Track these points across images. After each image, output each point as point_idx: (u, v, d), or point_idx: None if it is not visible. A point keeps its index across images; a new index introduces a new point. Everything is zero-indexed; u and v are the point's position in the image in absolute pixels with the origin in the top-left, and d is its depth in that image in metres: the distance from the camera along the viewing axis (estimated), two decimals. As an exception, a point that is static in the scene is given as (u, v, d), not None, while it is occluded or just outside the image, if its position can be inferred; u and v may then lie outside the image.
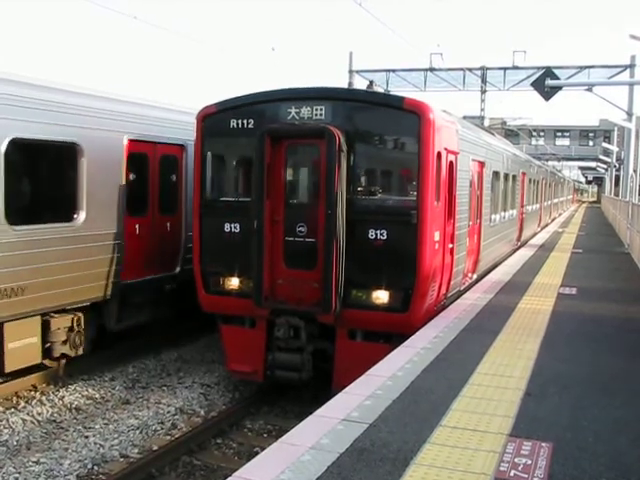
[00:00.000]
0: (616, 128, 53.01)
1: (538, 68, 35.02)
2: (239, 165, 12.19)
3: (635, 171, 31.63)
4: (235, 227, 11.23)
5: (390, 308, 10.40)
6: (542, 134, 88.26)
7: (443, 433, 6.04)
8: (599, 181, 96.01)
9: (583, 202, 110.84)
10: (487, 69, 43.92)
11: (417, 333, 9.79)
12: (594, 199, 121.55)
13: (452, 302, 12.28)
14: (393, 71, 42.86)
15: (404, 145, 10.95)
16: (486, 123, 45.05)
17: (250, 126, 11.08)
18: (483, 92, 45.14)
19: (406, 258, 10.31)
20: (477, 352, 8.83)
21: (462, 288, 13.48)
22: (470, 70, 43.98)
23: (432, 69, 42.59)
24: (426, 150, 10.24)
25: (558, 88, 22.14)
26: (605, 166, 69.68)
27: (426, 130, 10.24)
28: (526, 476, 5.16)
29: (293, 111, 10.83)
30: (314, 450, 5.51)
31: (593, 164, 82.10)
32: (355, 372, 7.97)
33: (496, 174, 17.42)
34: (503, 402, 6.86)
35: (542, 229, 34.11)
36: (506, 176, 19.42)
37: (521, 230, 24.42)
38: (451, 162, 11.66)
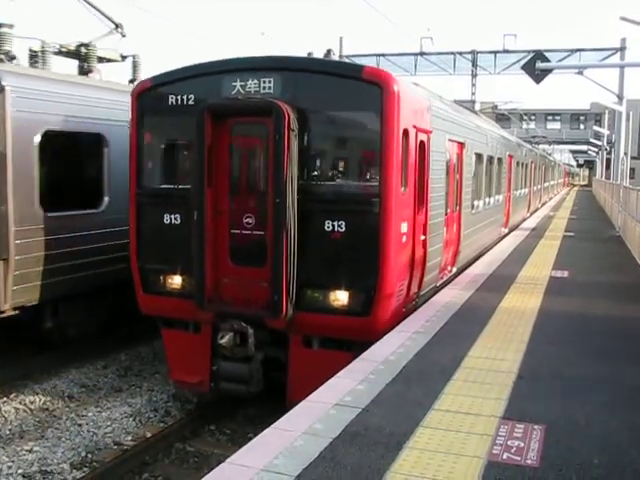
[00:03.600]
0: (607, 111, 52.94)
1: (529, 51, 34.82)
2: (180, 148, 10.56)
3: (626, 154, 31.62)
4: (175, 218, 9.77)
5: (350, 311, 8.98)
6: (533, 118, 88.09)
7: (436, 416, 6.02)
8: (590, 164, 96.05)
9: (575, 185, 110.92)
10: (478, 53, 43.66)
11: (378, 343, 8.33)
12: (585, 182, 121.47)
13: (426, 300, 10.89)
14: (383, 55, 42.53)
15: (364, 122, 9.38)
16: (477, 107, 44.79)
17: (190, 102, 9.60)
18: (474, 76, 44.98)
19: (367, 253, 8.89)
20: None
21: (439, 284, 12.09)
22: (461, 54, 43.72)
23: (422, 53, 42.35)
24: (389, 127, 8.76)
25: (549, 71, 22.06)
26: (596, 149, 69.39)
27: (389, 104, 8.75)
28: (519, 458, 5.15)
29: (238, 84, 9.32)
30: (307, 435, 5.46)
31: (584, 147, 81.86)
32: (312, 384, 6.92)
33: (479, 156, 15.95)
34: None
35: (532, 214, 32.66)
36: (490, 159, 17.88)
37: (508, 216, 22.92)
38: (422, 142, 10.17)
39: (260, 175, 9.79)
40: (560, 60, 36.20)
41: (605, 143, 53.95)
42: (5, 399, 10.77)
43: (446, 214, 12.24)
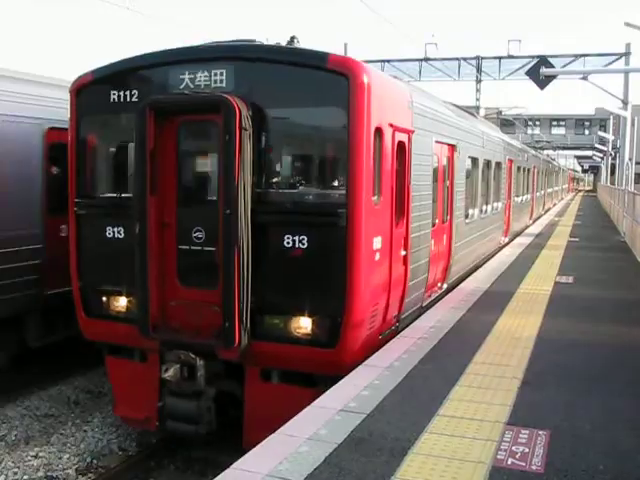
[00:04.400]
0: (612, 116, 52.66)
1: (533, 57, 34.75)
2: (124, 151, 8.98)
3: (631, 159, 31.57)
4: (119, 232, 8.49)
5: (314, 341, 7.67)
6: (538, 123, 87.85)
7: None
8: (595, 170, 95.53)
9: (580, 191, 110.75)
10: (482, 58, 43.59)
11: (341, 382, 6.94)
12: (590, 188, 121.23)
13: (410, 324, 9.49)
14: (388, 61, 42.44)
15: (330, 119, 7.96)
16: (482, 113, 44.89)
17: (134, 99, 8.33)
18: (478, 82, 44.99)
19: (333, 273, 7.57)
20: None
21: (425, 303, 10.64)
22: (465, 60, 43.66)
23: (427, 59, 42.26)
24: (357, 125, 7.43)
25: (553, 77, 21.90)
26: (601, 155, 69.01)
27: (358, 97, 7.43)
28: (524, 464, 5.07)
29: (187, 78, 8.07)
30: (312, 441, 5.37)
31: (589, 153, 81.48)
32: (271, 423, 6.01)
33: (474, 161, 14.53)
34: None
35: (535, 222, 30.76)
36: (487, 163, 16.31)
37: (509, 225, 21.35)
38: (401, 143, 8.80)
39: (212, 182, 8.43)
40: (564, 65, 36.15)
41: (610, 148, 53.61)
42: (11, 405, 10.63)
43: (433, 225, 10.84)
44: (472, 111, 17.01)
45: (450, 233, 12.18)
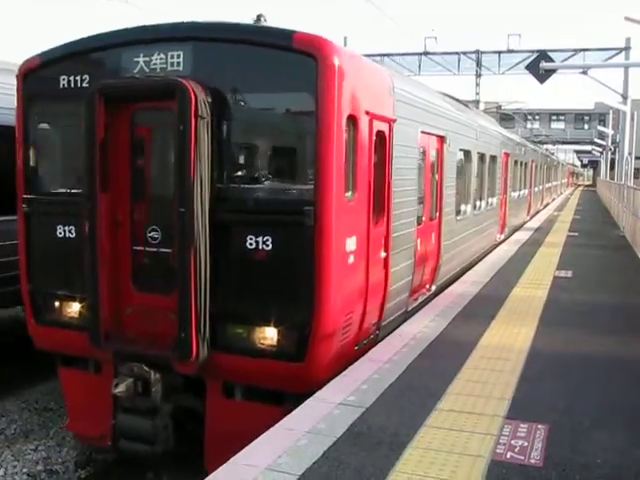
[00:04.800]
0: (611, 111, 52.49)
1: (533, 51, 34.66)
2: (74, 142, 7.83)
3: (630, 154, 31.55)
4: (70, 231, 7.67)
5: (280, 354, 6.81)
6: (537, 118, 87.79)
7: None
8: (594, 164, 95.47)
9: (579, 185, 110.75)
10: (482, 53, 43.49)
11: (307, 402, 6.20)
12: (590, 182, 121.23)
13: (391, 331, 8.67)
14: (387, 55, 42.27)
15: (296, 105, 7.16)
16: (481, 107, 44.85)
17: (85, 84, 7.45)
18: (478, 76, 44.89)
19: (300, 279, 6.74)
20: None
21: (410, 308, 9.76)
22: (465, 54, 43.53)
23: (426, 53, 42.13)
24: (327, 112, 6.58)
25: (553, 71, 21.81)
26: (600, 149, 68.80)
27: (327, 80, 6.56)
28: (523, 458, 5.03)
29: (141, 60, 7.18)
30: (311, 434, 5.33)
31: (588, 147, 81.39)
32: (234, 443, 5.45)
33: (466, 154, 13.66)
34: None
35: (533, 217, 29.94)
36: (482, 157, 15.46)
37: (505, 221, 20.45)
38: (380, 133, 7.95)
39: (169, 176, 7.39)
40: (564, 60, 36.12)
41: (609, 143, 53.52)
42: (10, 398, 10.55)
43: (420, 223, 10.02)
44: (466, 102, 16.16)
45: (439, 231, 11.34)
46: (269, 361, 6.86)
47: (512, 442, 5.33)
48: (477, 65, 43.29)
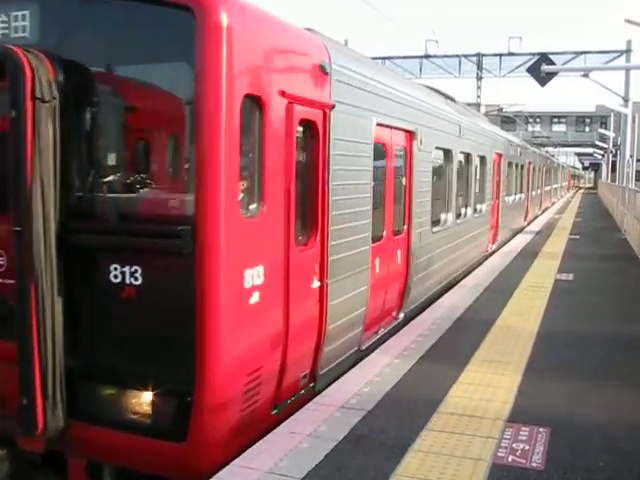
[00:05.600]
0: (612, 114, 52.51)
1: (534, 54, 34.73)
2: None
3: (632, 156, 31.59)
4: None
5: (154, 429, 5.09)
6: (538, 120, 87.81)
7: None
8: (596, 167, 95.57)
9: (580, 188, 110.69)
10: (483, 56, 43.62)
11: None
12: (591, 185, 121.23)
13: (341, 375, 6.99)
14: (389, 58, 42.30)
15: (173, 81, 5.26)
16: (482, 110, 45.00)
17: None
18: (479, 79, 44.95)
19: (178, 327, 4.98)
20: None
21: (365, 347, 7.91)
22: (466, 57, 43.58)
23: (427, 56, 42.15)
24: (210, 88, 4.74)
25: (554, 74, 21.82)
26: (602, 152, 68.95)
27: (210, 43, 4.77)
28: (524, 461, 5.00)
29: None
30: (312, 438, 5.26)
31: (590, 150, 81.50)
32: None
33: (446, 153, 11.79)
34: None
35: (530, 223, 28.06)
36: (467, 157, 13.63)
37: (497, 229, 18.37)
38: (308, 123, 6.10)
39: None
40: (565, 62, 36.14)
41: (611, 146, 53.63)
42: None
43: (378, 239, 8.27)
44: (452, 96, 14.38)
45: (408, 247, 9.44)
46: (142, 438, 5.11)
47: (513, 445, 5.30)
48: (478, 68, 43.31)
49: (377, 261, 8.17)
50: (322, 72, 6.40)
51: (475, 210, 14.75)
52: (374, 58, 38.31)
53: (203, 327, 4.88)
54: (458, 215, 13.03)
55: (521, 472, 4.88)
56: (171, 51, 5.11)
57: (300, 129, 6.03)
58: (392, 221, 8.88)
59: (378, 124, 7.88)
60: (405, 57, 42.42)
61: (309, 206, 6.31)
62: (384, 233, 8.59)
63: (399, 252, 9.21)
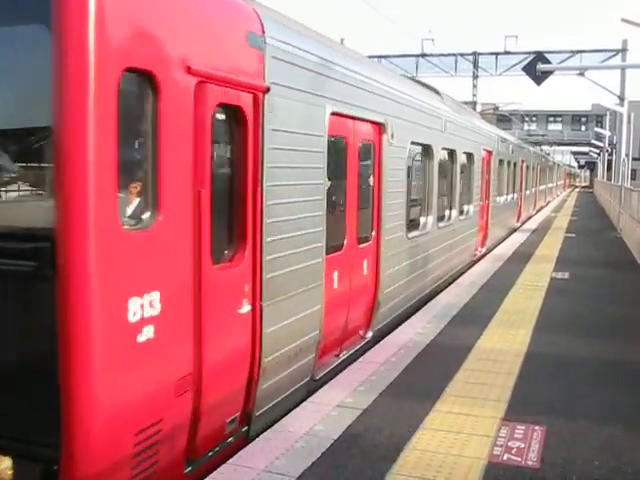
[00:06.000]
0: (608, 113, 52.67)
1: (530, 53, 34.80)
2: None
3: (627, 155, 31.66)
4: None
5: None
6: (534, 119, 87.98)
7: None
8: (592, 166, 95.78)
9: (576, 187, 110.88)
10: (479, 54, 43.70)
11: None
12: (587, 184, 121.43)
13: (286, 414, 5.86)
14: (385, 57, 42.32)
15: (30, 47, 4.03)
16: (478, 108, 45.08)
17: None
18: (475, 78, 45.00)
19: (39, 374, 3.91)
20: None
21: (320, 376, 6.76)
22: (462, 55, 43.72)
23: (424, 55, 42.29)
24: (74, 59, 3.61)
25: (550, 72, 21.82)
26: (598, 151, 69.17)
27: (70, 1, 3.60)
28: (520, 459, 5.01)
29: None
30: (308, 436, 5.25)
31: (586, 149, 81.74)
32: None
33: (425, 149, 10.57)
34: None
35: (524, 223, 27.16)
36: (451, 153, 12.39)
37: (486, 232, 17.10)
38: (231, 108, 4.96)
39: None
40: (561, 61, 36.15)
41: (606, 144, 53.71)
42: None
43: (338, 249, 7.10)
44: (436, 88, 13.37)
45: (377, 257, 8.24)
46: None
47: (509, 444, 5.30)
48: (474, 67, 43.28)
49: (335, 275, 6.98)
50: (251, 46, 5.11)
51: (461, 212, 13.75)
52: (371, 57, 38.38)
53: (69, 375, 3.72)
54: (440, 218, 11.88)
55: (517, 470, 4.86)
56: (28, 10, 3.91)
57: (220, 116, 4.84)
58: (355, 227, 7.61)
59: (334, 113, 6.57)
60: (401, 56, 42.38)
61: (235, 213, 5.09)
62: (345, 242, 7.36)
63: (365, 262, 7.97)
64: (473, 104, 41.67)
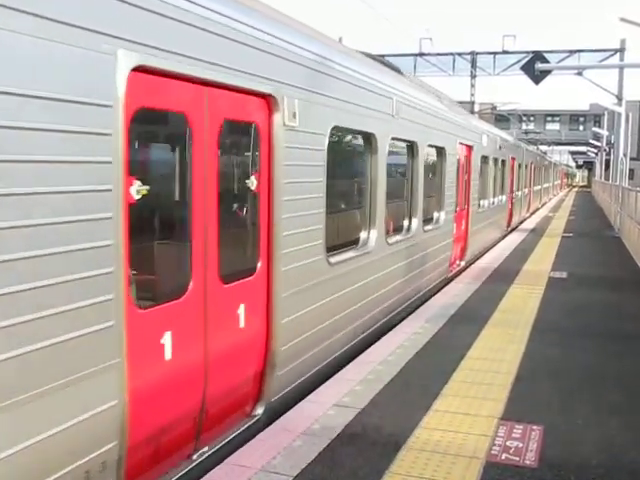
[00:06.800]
0: (606, 112, 52.73)
1: (528, 52, 34.84)
2: None
3: (625, 155, 31.65)
4: None
5: None
6: (532, 118, 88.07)
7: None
8: (589, 165, 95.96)
9: (574, 187, 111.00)
10: (477, 54, 43.79)
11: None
12: (584, 183, 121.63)
13: None
14: (383, 56, 42.34)
15: None
16: (476, 108, 45.13)
17: None
18: (473, 77, 45.04)
19: None
20: None
21: (232, 434, 5.31)
22: (460, 55, 43.79)
23: (422, 54, 42.33)
24: None
25: (548, 72, 21.85)
26: (595, 150, 69.14)
27: None
28: (518, 459, 5.05)
29: None
30: (306, 435, 5.27)
31: (583, 148, 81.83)
32: None
33: (366, 139, 8.07)
34: None
35: (515, 229, 24.88)
36: (411, 148, 9.89)
37: (466, 242, 14.76)
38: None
39: None
40: (559, 61, 36.16)
41: (604, 144, 53.79)
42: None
43: (175, 297, 4.47)
44: (397, 67, 11.53)
45: (267, 298, 5.68)
46: None
47: (507, 443, 5.30)
48: (472, 66, 43.31)
49: (166, 339, 4.38)
50: None
51: (427, 220, 11.08)
52: (368, 56, 38.25)
53: None
54: (393, 231, 9.38)
55: (514, 470, 4.86)
56: None
57: None
58: (215, 258, 4.89)
59: (140, 69, 3.89)
60: (399, 55, 42.36)
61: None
62: (189, 283, 4.65)
63: (242, 308, 5.31)
64: (471, 104, 41.66)
